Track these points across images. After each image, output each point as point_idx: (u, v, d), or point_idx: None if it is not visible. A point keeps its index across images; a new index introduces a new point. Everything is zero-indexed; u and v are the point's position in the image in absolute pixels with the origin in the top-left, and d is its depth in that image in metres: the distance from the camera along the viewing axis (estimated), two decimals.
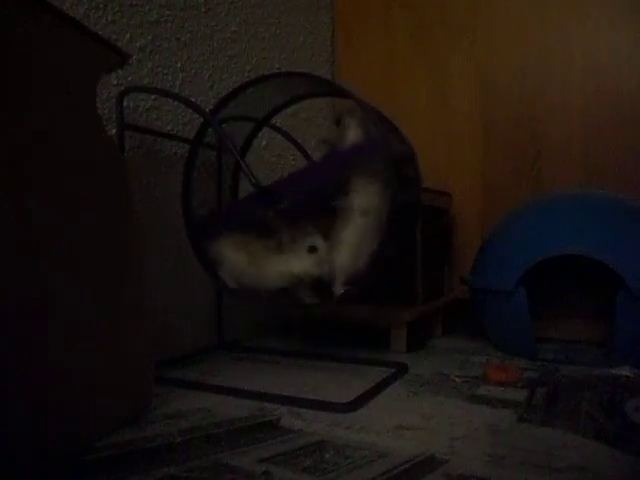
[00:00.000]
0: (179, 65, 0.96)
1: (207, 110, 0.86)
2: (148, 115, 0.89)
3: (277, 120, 1.04)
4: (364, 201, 0.74)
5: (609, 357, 0.87)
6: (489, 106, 1.27)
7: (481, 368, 0.85)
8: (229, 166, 1.00)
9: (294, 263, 0.76)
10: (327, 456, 0.53)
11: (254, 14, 1.16)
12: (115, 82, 0.83)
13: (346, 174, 0.75)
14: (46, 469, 0.49)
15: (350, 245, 0.76)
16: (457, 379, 0.80)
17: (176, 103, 0.93)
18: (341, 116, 0.79)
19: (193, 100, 0.95)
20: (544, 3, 1.22)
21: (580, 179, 1.17)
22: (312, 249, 0.76)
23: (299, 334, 1.11)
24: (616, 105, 1.15)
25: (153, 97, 0.90)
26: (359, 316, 1.02)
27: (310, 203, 0.76)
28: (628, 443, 0.55)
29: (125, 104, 0.81)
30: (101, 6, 0.81)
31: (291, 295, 0.78)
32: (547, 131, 1.21)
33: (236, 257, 0.79)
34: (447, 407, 0.68)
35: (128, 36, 0.85)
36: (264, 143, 1.12)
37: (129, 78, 0.85)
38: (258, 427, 0.61)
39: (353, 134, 0.76)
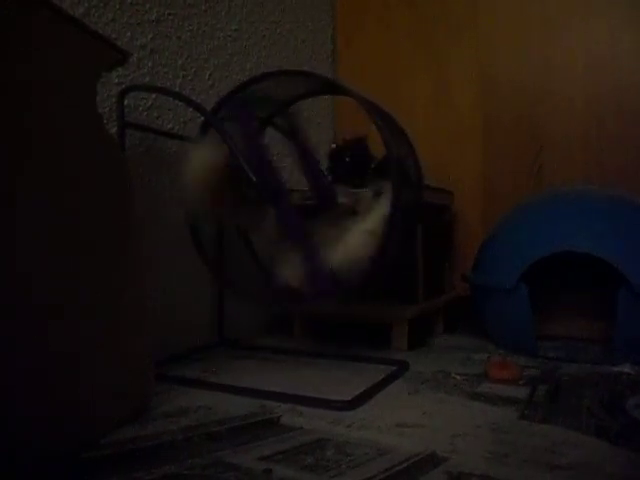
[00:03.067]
0: (180, 63, 0.96)
1: (208, 109, 0.86)
2: (149, 114, 0.89)
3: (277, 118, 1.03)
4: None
5: (610, 355, 0.87)
6: (490, 104, 1.27)
7: (482, 366, 0.85)
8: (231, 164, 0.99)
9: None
10: (328, 454, 0.53)
11: (254, 12, 1.16)
12: (116, 81, 0.83)
13: None
14: (47, 469, 0.49)
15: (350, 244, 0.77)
16: (458, 377, 0.80)
17: (177, 102, 0.93)
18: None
19: (194, 99, 0.95)
20: (546, 1, 1.21)
21: (581, 176, 1.16)
22: None
23: (300, 332, 1.11)
24: (617, 103, 1.15)
25: (154, 96, 0.90)
26: (360, 314, 1.02)
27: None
28: (629, 440, 0.55)
29: (126, 102, 0.81)
30: (101, 4, 0.81)
31: None
32: (548, 129, 1.21)
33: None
34: (448, 405, 0.68)
35: (129, 35, 0.85)
36: (265, 142, 1.12)
37: (130, 77, 0.85)
38: (259, 425, 0.61)
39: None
